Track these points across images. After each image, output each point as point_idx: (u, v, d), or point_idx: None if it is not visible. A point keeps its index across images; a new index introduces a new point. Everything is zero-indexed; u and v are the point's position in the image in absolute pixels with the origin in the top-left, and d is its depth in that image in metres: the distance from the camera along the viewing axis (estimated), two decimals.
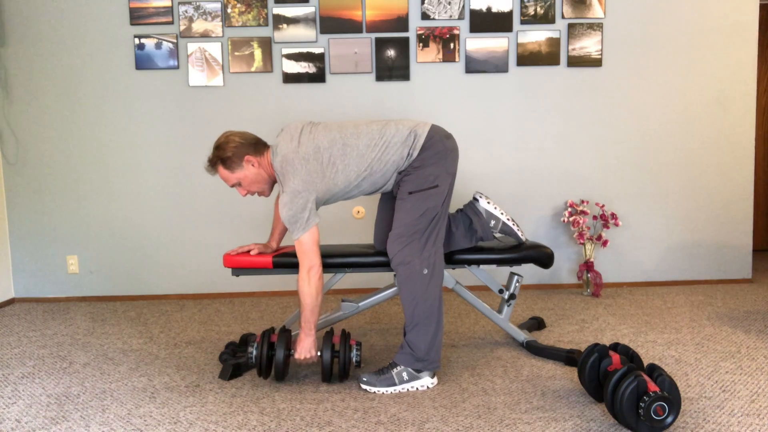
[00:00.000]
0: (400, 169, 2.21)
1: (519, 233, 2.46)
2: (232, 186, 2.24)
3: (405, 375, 2.14)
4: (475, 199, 2.46)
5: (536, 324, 2.87)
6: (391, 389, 2.13)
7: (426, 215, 2.16)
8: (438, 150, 2.19)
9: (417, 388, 2.16)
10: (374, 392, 2.13)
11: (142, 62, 3.58)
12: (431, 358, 2.16)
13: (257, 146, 2.22)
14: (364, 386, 2.15)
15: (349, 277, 3.71)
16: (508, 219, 2.44)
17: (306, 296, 2.14)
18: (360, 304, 2.54)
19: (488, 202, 2.43)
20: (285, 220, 2.13)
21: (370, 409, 2.01)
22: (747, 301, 3.36)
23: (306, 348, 2.17)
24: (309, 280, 2.13)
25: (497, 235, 2.46)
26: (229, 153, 2.17)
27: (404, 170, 2.20)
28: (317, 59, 3.60)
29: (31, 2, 3.54)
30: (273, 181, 2.29)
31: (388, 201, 2.41)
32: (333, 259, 2.44)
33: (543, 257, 2.50)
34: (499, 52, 3.64)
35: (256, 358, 2.17)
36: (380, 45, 3.60)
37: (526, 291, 3.72)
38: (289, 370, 2.38)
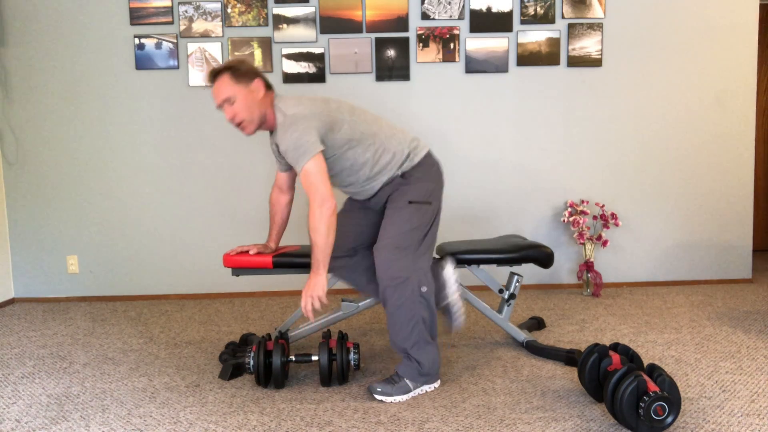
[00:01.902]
0: (394, 174, 2.15)
1: (457, 320, 2.31)
2: (221, 103, 2.05)
3: (412, 384, 2.12)
4: (442, 261, 2.34)
5: (536, 324, 2.87)
6: (406, 396, 2.09)
7: (421, 229, 2.10)
8: (435, 170, 2.21)
9: (426, 391, 2.15)
10: (391, 401, 2.06)
11: (142, 62, 3.58)
12: (434, 372, 2.15)
13: (268, 84, 2.13)
14: (380, 397, 2.06)
15: None
16: (457, 301, 2.30)
17: (317, 234, 1.99)
18: (360, 304, 2.54)
19: (454, 276, 2.32)
20: (287, 151, 2.00)
21: (370, 409, 2.01)
22: (747, 301, 3.36)
23: (313, 287, 2.02)
24: (321, 215, 1.98)
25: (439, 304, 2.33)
26: (243, 67, 2.07)
27: (403, 177, 2.16)
28: (317, 59, 3.60)
29: (31, 2, 3.55)
30: (261, 123, 2.11)
31: (356, 211, 2.34)
32: None
33: (543, 257, 2.50)
34: (499, 52, 3.64)
35: (254, 367, 2.17)
36: (380, 45, 3.60)
37: (526, 291, 3.72)
38: (289, 372, 2.38)
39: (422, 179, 2.16)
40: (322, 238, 2.00)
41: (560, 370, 2.34)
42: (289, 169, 2.38)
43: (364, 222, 2.31)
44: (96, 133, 3.63)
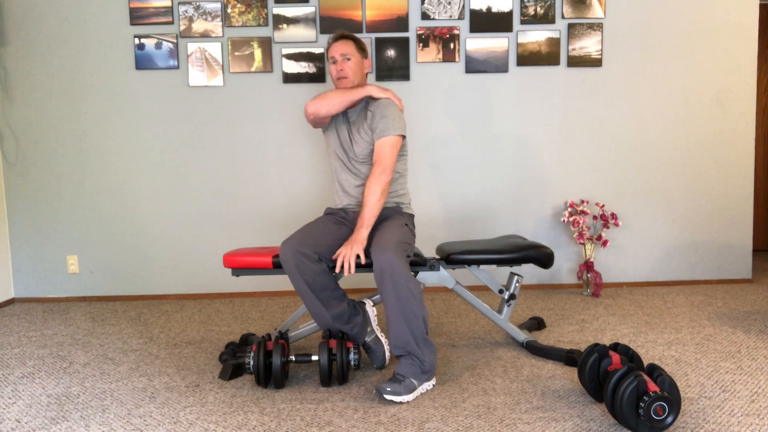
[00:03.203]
0: (398, 204, 2.46)
1: (386, 352, 2.38)
2: (340, 55, 2.39)
3: (416, 381, 2.13)
4: (363, 299, 2.47)
5: (536, 324, 2.87)
6: (414, 395, 2.10)
7: (409, 249, 2.25)
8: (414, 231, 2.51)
9: (426, 389, 2.16)
10: (401, 401, 2.06)
11: (142, 62, 3.58)
12: (434, 369, 2.17)
13: None
14: (390, 397, 2.05)
15: (349, 277, 3.71)
16: (381, 334, 2.42)
17: (372, 195, 2.26)
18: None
19: (374, 312, 2.44)
20: (386, 116, 2.32)
21: (370, 409, 2.01)
22: (747, 301, 3.36)
23: (353, 241, 2.19)
24: (380, 180, 2.28)
25: (366, 339, 2.39)
26: (365, 47, 2.49)
27: (401, 213, 2.45)
28: (317, 59, 3.60)
29: (32, 2, 3.55)
30: (353, 87, 2.40)
31: (331, 224, 2.40)
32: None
33: (543, 257, 2.50)
34: (499, 52, 3.64)
35: (254, 367, 2.17)
36: (380, 45, 3.60)
37: (526, 291, 3.72)
38: (289, 372, 2.38)
39: (411, 227, 2.42)
40: (375, 199, 2.27)
41: (560, 370, 2.34)
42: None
43: (336, 235, 2.34)
44: (96, 133, 3.63)
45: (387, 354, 2.38)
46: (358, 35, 3.57)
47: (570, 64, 3.65)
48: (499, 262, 2.49)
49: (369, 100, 2.44)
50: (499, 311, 2.61)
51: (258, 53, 3.60)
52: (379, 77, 3.62)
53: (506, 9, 3.61)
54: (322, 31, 3.58)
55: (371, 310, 2.43)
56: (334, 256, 2.23)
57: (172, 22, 3.57)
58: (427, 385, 2.16)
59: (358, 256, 2.19)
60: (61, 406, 2.09)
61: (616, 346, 2.03)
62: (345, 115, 2.48)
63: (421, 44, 3.61)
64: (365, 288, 3.73)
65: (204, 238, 3.70)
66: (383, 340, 2.39)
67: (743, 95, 3.74)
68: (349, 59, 2.40)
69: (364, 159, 2.42)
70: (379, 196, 2.27)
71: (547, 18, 3.63)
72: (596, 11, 3.64)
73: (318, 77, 3.60)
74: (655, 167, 3.75)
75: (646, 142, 3.74)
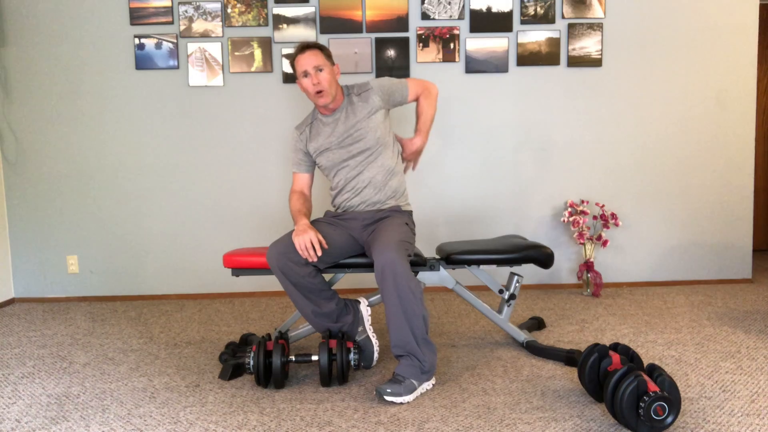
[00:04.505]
0: (397, 205, 2.46)
1: (375, 353, 2.38)
2: (312, 68, 2.34)
3: (416, 382, 2.13)
4: (358, 297, 2.47)
5: (536, 324, 2.87)
6: (414, 395, 2.10)
7: (410, 248, 2.26)
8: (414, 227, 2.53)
9: (426, 389, 2.16)
10: (401, 401, 2.06)
11: (142, 62, 3.58)
12: (433, 369, 2.17)
13: None
14: (391, 398, 2.05)
15: (349, 277, 3.71)
16: (373, 335, 2.40)
17: (430, 105, 2.50)
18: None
19: (368, 312, 2.43)
20: (392, 85, 2.49)
21: (370, 409, 2.01)
22: (747, 301, 3.36)
23: (419, 146, 2.49)
24: (434, 92, 2.53)
25: (357, 338, 2.40)
26: (330, 53, 2.44)
27: (401, 212, 2.45)
28: None
29: (31, 2, 3.55)
30: (333, 99, 2.40)
31: (324, 225, 2.41)
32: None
33: (543, 257, 2.50)
34: (499, 52, 3.64)
35: (254, 367, 2.17)
36: (380, 45, 3.60)
37: (526, 291, 3.72)
38: (289, 372, 2.38)
39: (411, 225, 2.45)
40: (432, 112, 2.51)
41: (560, 370, 2.34)
42: (312, 169, 2.56)
43: (328, 238, 2.30)
44: (96, 133, 3.63)
45: (375, 355, 2.37)
46: (358, 35, 3.58)
47: (570, 64, 3.66)
48: (499, 262, 2.49)
49: (349, 94, 2.47)
50: (499, 311, 2.61)
51: (258, 53, 3.60)
52: (379, 77, 3.61)
53: (506, 9, 3.61)
54: (322, 31, 3.58)
55: (365, 309, 2.43)
56: (405, 155, 2.51)
57: (172, 22, 3.57)
58: (427, 385, 2.16)
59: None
60: (61, 406, 2.09)
61: (616, 346, 2.03)
62: (333, 130, 2.43)
63: (421, 44, 3.61)
64: (364, 288, 3.73)
65: (204, 238, 3.70)
66: (374, 340, 2.38)
67: (743, 95, 3.74)
68: (321, 70, 2.35)
69: (371, 151, 2.40)
70: (434, 110, 2.52)
71: (547, 18, 3.63)
72: (596, 11, 3.64)
73: None
74: (655, 167, 3.75)
75: (646, 142, 3.74)
